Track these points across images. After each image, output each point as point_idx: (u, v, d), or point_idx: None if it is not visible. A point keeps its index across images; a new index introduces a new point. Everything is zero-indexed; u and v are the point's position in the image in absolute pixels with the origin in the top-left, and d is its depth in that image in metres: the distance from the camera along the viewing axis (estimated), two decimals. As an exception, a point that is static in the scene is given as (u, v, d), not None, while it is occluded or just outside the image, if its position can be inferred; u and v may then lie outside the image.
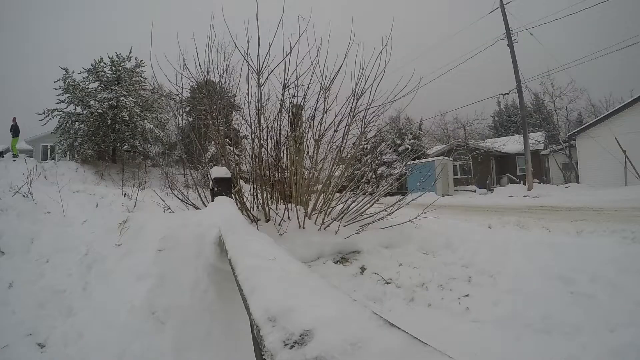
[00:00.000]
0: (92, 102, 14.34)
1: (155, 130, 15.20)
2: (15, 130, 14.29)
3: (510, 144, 22.04)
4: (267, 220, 3.58)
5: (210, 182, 3.04)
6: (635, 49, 13.82)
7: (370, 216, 3.83)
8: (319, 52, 3.62)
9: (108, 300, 2.01)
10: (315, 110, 3.83)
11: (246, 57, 3.51)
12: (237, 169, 4.35)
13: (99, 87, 15.23)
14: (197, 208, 3.88)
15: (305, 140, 3.88)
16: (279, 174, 3.89)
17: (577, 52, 15.85)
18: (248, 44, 3.45)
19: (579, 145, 15.31)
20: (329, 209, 3.78)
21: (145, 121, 15.24)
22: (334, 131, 3.90)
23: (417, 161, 10.09)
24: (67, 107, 15.02)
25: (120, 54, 15.77)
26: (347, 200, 3.90)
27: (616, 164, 13.45)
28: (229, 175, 3.05)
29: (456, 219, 5.91)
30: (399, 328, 0.53)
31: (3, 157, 12.94)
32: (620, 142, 13.41)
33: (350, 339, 0.50)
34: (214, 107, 4.13)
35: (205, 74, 3.98)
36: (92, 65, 15.33)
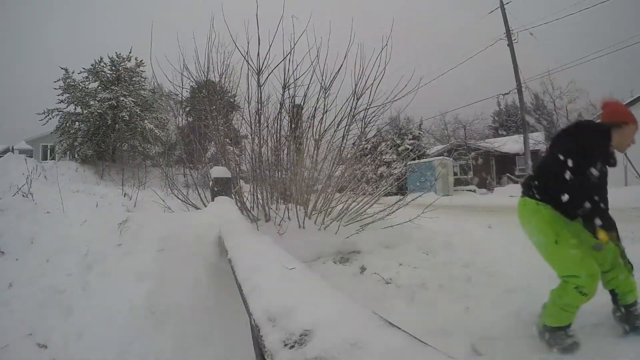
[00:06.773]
0: (92, 102, 14.31)
1: (155, 130, 15.17)
2: None
3: (510, 144, 21.97)
4: (267, 220, 3.58)
5: (210, 182, 3.04)
6: (636, 49, 13.82)
7: (370, 216, 3.83)
8: (319, 52, 3.63)
9: (108, 300, 2.01)
10: (315, 110, 3.84)
11: (246, 57, 3.52)
12: (237, 169, 4.35)
13: (99, 87, 15.19)
14: (197, 208, 3.88)
15: (305, 140, 3.88)
16: (279, 174, 3.89)
17: (577, 52, 15.86)
18: (248, 44, 3.46)
19: (579, 145, 15.28)
20: (329, 209, 3.77)
21: (145, 121, 15.21)
22: (334, 131, 3.90)
23: (417, 161, 10.07)
24: (67, 107, 14.99)
25: (120, 54, 15.74)
26: (347, 200, 3.90)
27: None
28: (229, 175, 3.05)
29: (456, 218, 5.90)
30: (399, 328, 0.53)
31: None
32: (620, 142, 13.39)
33: (350, 339, 0.50)
34: (214, 107, 4.13)
35: (205, 74, 3.99)
36: (92, 65, 15.31)
